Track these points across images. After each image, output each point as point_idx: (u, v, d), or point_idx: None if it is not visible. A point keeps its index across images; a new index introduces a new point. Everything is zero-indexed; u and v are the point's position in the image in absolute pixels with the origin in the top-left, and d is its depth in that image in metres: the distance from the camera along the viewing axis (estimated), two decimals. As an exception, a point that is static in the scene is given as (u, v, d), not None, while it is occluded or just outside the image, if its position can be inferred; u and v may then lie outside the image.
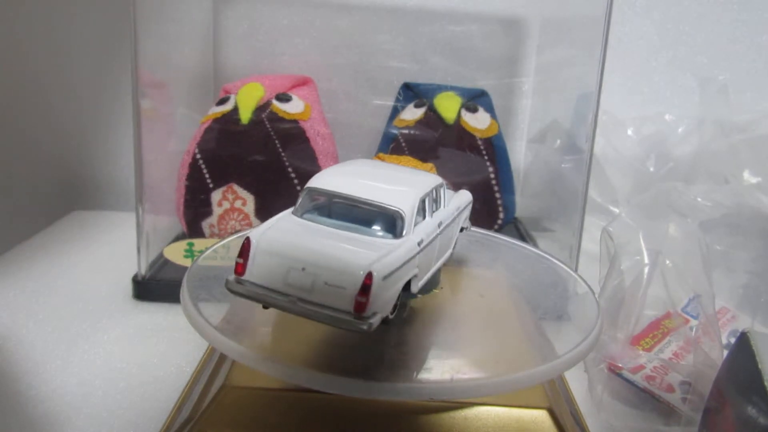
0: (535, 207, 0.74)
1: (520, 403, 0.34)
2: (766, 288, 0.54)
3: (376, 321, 0.27)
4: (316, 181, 0.34)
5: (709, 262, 0.49)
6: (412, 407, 0.33)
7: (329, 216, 0.33)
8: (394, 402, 0.33)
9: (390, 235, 0.31)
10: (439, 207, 0.37)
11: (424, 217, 0.34)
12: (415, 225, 0.33)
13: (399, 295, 0.31)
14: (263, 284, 0.29)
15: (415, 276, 0.32)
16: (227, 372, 0.35)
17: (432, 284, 0.38)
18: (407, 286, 0.32)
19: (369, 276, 0.27)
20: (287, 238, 0.30)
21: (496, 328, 0.38)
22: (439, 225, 0.35)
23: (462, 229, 0.42)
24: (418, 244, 0.32)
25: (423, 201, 0.34)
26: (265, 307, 0.29)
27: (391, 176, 0.36)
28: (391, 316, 0.31)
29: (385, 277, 0.28)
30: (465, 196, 0.42)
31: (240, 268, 0.30)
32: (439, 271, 0.38)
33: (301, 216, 0.33)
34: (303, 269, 0.28)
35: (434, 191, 0.36)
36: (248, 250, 0.29)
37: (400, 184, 0.34)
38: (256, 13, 0.77)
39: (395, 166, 0.40)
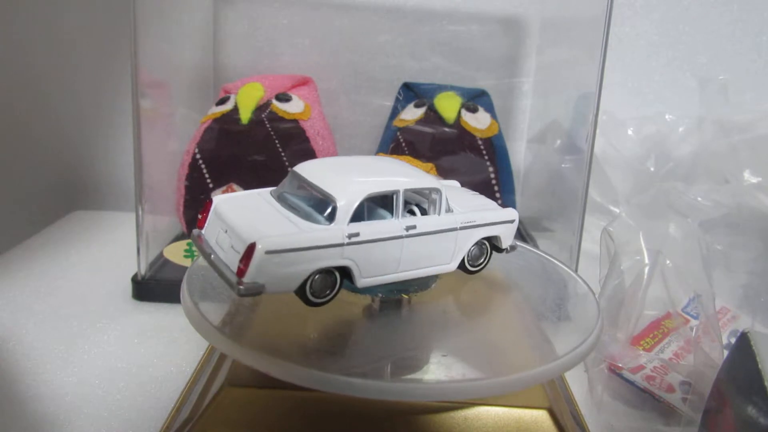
0: (535, 207, 0.74)
1: (520, 403, 0.34)
2: (766, 288, 0.54)
3: (250, 290, 0.29)
4: (298, 166, 0.36)
5: (709, 262, 0.49)
6: (412, 407, 0.33)
7: (294, 197, 0.34)
8: (394, 402, 0.33)
9: (327, 222, 0.32)
10: (433, 211, 0.35)
11: (392, 215, 0.33)
12: (367, 218, 0.33)
13: (333, 282, 0.32)
14: (208, 240, 0.34)
15: (351, 269, 0.32)
16: (227, 372, 0.35)
17: (407, 286, 0.36)
18: (351, 278, 0.33)
19: (251, 246, 0.29)
20: (234, 207, 0.34)
21: (495, 329, 0.38)
22: (408, 228, 0.33)
23: (501, 250, 0.39)
24: (348, 236, 0.31)
25: (390, 197, 0.33)
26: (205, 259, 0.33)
27: (371, 170, 0.36)
28: (315, 299, 0.32)
29: (272, 252, 0.29)
30: (501, 214, 0.39)
31: (200, 223, 0.35)
32: (429, 278, 0.37)
33: (276, 195, 0.35)
34: (226, 232, 0.32)
35: (419, 193, 0.35)
36: (208, 209, 0.34)
37: (366, 177, 0.34)
38: (256, 13, 0.77)
39: (395, 163, 0.38)
